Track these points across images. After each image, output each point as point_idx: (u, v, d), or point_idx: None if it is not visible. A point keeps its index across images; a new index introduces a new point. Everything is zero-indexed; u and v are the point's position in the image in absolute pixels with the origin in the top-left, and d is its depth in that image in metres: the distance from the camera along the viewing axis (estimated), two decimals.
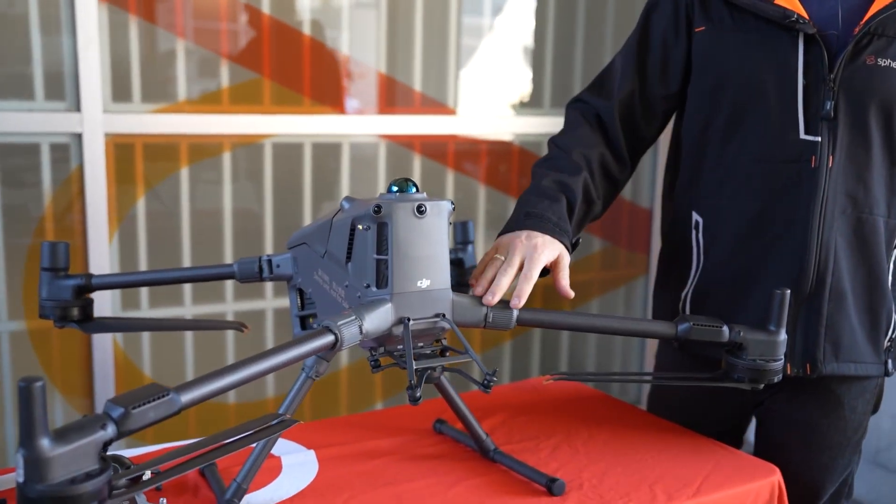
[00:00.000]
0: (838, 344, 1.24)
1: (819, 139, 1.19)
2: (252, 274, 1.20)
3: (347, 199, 1.05)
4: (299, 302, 1.19)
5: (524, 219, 1.19)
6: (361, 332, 0.93)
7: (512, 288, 1.07)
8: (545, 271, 1.15)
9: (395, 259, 0.96)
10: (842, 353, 1.25)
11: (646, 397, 1.58)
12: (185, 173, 2.11)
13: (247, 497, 1.09)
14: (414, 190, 1.00)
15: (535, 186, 1.26)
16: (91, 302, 1.23)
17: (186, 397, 0.77)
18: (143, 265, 2.09)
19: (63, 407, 2.06)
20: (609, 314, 1.11)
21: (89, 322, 1.22)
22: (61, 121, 1.93)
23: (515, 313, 1.03)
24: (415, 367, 0.95)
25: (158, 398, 0.75)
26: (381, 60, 2.31)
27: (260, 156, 2.19)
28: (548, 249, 1.11)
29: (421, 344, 1.02)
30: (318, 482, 1.14)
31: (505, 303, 1.04)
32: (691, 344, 1.08)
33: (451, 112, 2.42)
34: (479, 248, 2.52)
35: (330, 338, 0.90)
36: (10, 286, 1.96)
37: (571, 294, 1.12)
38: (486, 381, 0.95)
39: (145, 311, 2.12)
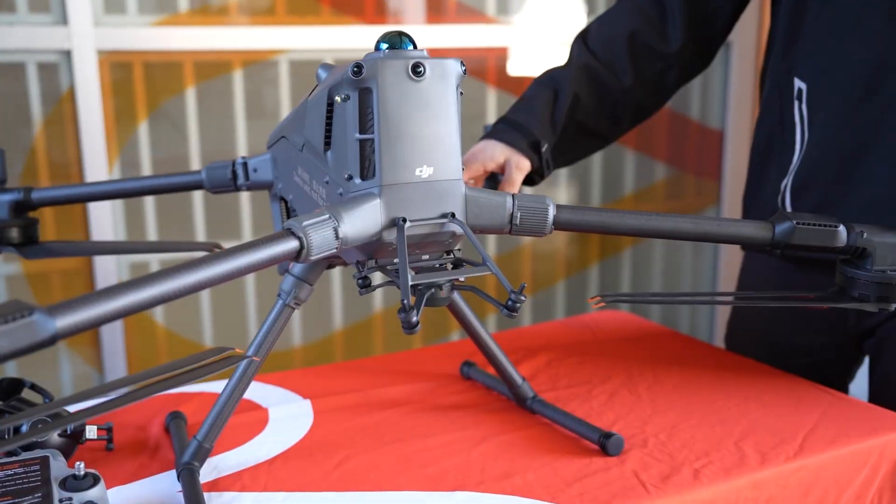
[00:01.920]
0: None
1: None
2: (224, 181, 0.96)
3: (325, 65, 0.79)
4: (284, 215, 0.94)
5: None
6: (338, 238, 0.68)
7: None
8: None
9: (382, 138, 0.70)
10: None
11: (721, 338, 1.30)
12: (191, 94, 1.87)
13: (215, 459, 0.86)
14: (410, 47, 0.73)
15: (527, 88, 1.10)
16: (34, 222, 1.01)
17: (65, 321, 0.53)
18: (149, 200, 1.87)
19: (69, 357, 1.87)
20: (680, 214, 0.84)
21: (32, 246, 0.99)
22: (47, 36, 1.71)
23: (552, 211, 0.76)
24: (411, 283, 0.69)
25: (14, 319, 0.51)
26: None
27: (275, 75, 1.94)
28: (483, 154, 0.98)
29: (426, 256, 0.76)
30: (309, 439, 0.90)
31: (539, 199, 0.77)
32: (795, 249, 0.80)
33: (498, 21, 2.13)
34: None
35: (291, 244, 0.65)
36: None
37: None
38: (510, 302, 0.69)
39: None
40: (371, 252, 0.73)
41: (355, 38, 1.97)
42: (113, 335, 1.86)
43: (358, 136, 0.71)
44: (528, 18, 2.16)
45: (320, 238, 0.67)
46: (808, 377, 1.04)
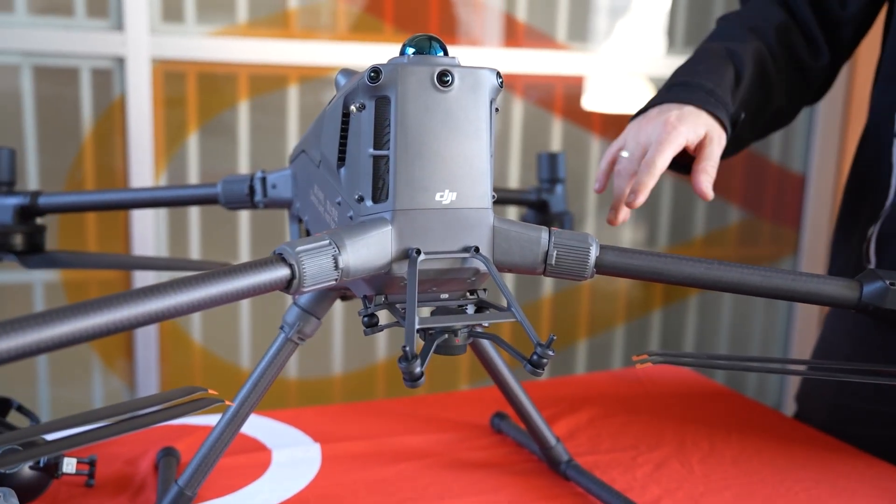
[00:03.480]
0: None
1: None
2: (240, 197, 0.88)
3: (345, 71, 0.70)
4: (302, 237, 0.85)
5: (666, 91, 0.85)
6: (338, 268, 0.58)
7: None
8: (686, 165, 0.83)
9: (399, 155, 0.60)
10: None
11: (792, 402, 1.16)
12: (244, 108, 1.82)
13: None
14: (441, 53, 0.64)
15: (691, 56, 0.92)
16: (41, 229, 0.94)
17: None
18: (193, 211, 1.81)
19: (102, 372, 1.82)
20: (748, 265, 0.71)
21: (35, 255, 0.92)
22: (103, 42, 1.67)
23: (594, 252, 0.65)
24: (421, 326, 0.59)
25: None
26: None
27: (332, 93, 1.87)
28: (686, 124, 0.78)
29: (445, 295, 0.66)
30: (311, 490, 0.80)
31: (581, 237, 0.66)
32: (887, 314, 0.67)
33: (571, 48, 2.03)
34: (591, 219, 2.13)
35: (281, 272, 0.56)
36: None
37: (709, 195, 0.77)
38: (536, 357, 0.58)
39: None
40: (380, 286, 0.63)
41: None
42: (147, 351, 1.80)
43: (372, 151, 0.61)
44: (606, 48, 2.05)
45: (316, 267, 0.57)
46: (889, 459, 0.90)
